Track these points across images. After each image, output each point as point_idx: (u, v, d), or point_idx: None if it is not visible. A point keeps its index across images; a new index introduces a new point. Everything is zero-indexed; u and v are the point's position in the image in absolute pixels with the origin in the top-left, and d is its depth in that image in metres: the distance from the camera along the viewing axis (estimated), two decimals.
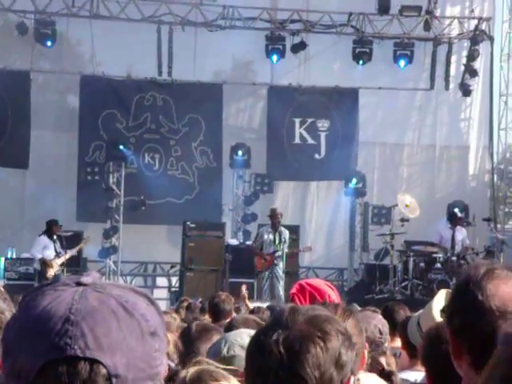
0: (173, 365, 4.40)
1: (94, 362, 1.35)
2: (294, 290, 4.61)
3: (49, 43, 21.03)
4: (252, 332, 4.47)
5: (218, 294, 9.33)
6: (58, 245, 18.02)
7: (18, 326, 1.39)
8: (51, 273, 17.63)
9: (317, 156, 22.26)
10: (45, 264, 17.85)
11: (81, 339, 1.34)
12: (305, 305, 4.41)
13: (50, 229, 18.03)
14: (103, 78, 21.34)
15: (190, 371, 3.24)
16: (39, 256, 17.98)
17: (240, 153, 21.37)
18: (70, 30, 21.51)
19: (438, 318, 3.81)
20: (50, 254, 17.99)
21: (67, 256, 18.09)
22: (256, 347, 1.95)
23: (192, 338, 4.88)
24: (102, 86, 21.33)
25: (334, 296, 4.58)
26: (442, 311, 3.13)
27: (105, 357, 1.35)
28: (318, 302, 4.46)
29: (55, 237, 18.06)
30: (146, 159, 21.69)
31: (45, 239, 18.02)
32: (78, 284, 1.41)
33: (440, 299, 4.24)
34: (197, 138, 21.91)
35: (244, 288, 12.58)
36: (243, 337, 4.40)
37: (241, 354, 4.31)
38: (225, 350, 4.29)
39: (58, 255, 17.97)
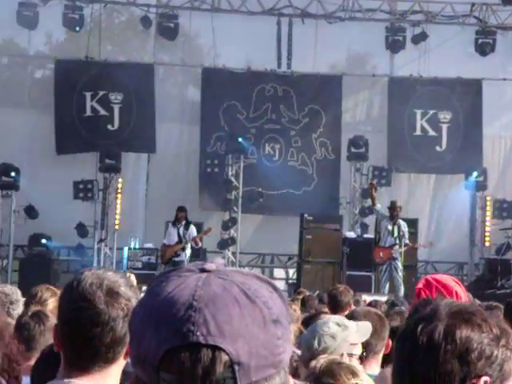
0: (298, 352, 4.42)
1: (216, 348, 1.34)
2: (420, 285, 4.56)
3: (171, 37, 21.36)
4: (339, 319, 4.45)
5: (336, 286, 9.31)
6: (184, 231, 18.17)
7: (143, 312, 1.41)
8: (164, 259, 17.90)
9: (438, 148, 21.92)
10: (164, 247, 18.14)
11: (203, 326, 1.35)
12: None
13: (176, 215, 18.23)
14: (224, 71, 21.55)
15: (321, 362, 3.22)
16: (163, 241, 18.29)
17: (358, 145, 21.23)
18: (191, 24, 21.79)
19: None
20: (171, 241, 18.23)
21: (184, 245, 18.24)
22: (410, 338, 1.93)
23: None
24: (223, 78, 21.54)
25: (461, 292, 4.51)
26: None
27: (227, 344, 1.35)
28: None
29: (183, 223, 18.17)
30: (266, 149, 21.79)
31: (170, 226, 18.28)
32: (202, 270, 1.41)
33: None
34: (317, 130, 21.89)
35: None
36: (330, 325, 4.36)
37: (332, 343, 4.28)
38: (316, 344, 4.26)
39: (180, 241, 18.14)
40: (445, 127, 21.92)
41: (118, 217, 20.25)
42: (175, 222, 18.18)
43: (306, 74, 21.69)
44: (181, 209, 18.32)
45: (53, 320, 4.09)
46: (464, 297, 4.47)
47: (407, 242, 17.71)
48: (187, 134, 21.84)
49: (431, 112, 21.87)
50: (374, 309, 5.78)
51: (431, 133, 21.94)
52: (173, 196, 20.68)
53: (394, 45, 21.57)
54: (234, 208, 20.62)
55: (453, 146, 21.73)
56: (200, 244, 18.85)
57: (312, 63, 21.59)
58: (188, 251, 18.06)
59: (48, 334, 4.12)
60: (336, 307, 8.06)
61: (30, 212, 20.01)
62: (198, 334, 1.35)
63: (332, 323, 4.39)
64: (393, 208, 17.81)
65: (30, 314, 4.37)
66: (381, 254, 17.65)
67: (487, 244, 21.08)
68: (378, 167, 21.59)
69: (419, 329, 1.91)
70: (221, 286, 1.38)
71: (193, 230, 18.14)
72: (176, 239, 18.03)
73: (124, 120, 21.19)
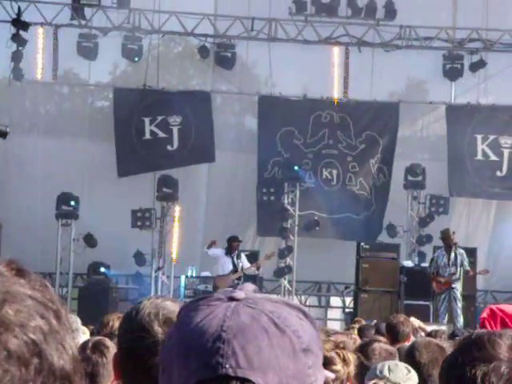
0: (332, 375, 4.40)
1: (245, 381, 1.33)
2: (484, 315, 4.52)
3: (228, 66, 21.53)
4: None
5: (395, 315, 9.20)
6: (237, 260, 18.28)
7: (172, 343, 1.40)
8: (223, 287, 17.94)
9: (498, 173, 21.69)
10: (218, 279, 18.23)
11: (232, 358, 1.33)
12: (495, 330, 4.31)
13: (230, 244, 18.37)
14: (280, 98, 21.65)
15: None
16: (218, 272, 18.42)
17: (415, 174, 21.11)
18: (248, 53, 21.95)
19: None
20: (225, 270, 18.32)
21: (246, 271, 18.36)
22: (460, 379, 1.87)
23: (374, 362, 4.86)
24: (280, 105, 21.64)
25: None
26: None
27: (256, 376, 1.33)
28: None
29: (236, 252, 18.35)
30: (324, 174, 21.79)
31: (221, 254, 18.37)
32: (231, 299, 1.39)
33: None
34: (374, 156, 21.86)
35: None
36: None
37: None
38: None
39: (236, 270, 18.25)
40: (506, 152, 21.67)
41: (175, 245, 20.36)
42: (228, 252, 18.29)
43: (362, 101, 21.69)
44: (235, 238, 18.43)
45: (113, 350, 4.11)
46: None
47: (467, 268, 17.44)
48: (244, 162, 21.92)
49: (492, 137, 21.66)
50: (435, 340, 5.72)
51: (492, 157, 21.71)
52: (230, 224, 20.75)
53: (452, 72, 21.46)
54: (290, 236, 20.61)
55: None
56: (260, 269, 18.89)
57: (369, 91, 21.58)
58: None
59: (110, 366, 4.13)
60: (396, 338, 7.97)
61: (89, 240, 20.19)
62: (227, 366, 1.33)
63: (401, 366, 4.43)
64: (445, 238, 17.61)
65: (90, 345, 4.30)
66: (440, 283, 17.47)
67: None
68: (436, 195, 21.42)
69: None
70: (250, 316, 1.36)
71: (244, 259, 18.28)
72: (231, 267, 18.12)
73: (183, 139, 21.35)
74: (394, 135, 21.90)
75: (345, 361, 3.59)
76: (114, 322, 5.69)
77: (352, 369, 3.64)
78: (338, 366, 3.57)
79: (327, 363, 3.56)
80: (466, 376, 1.85)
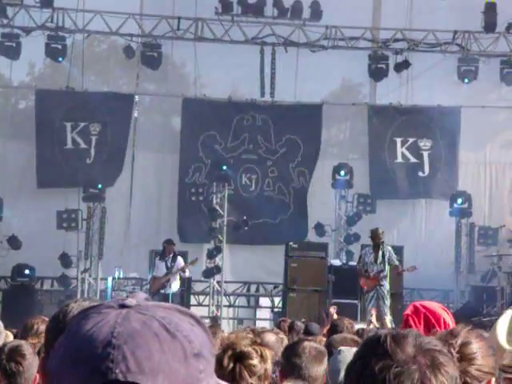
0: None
1: None
2: (408, 312, 4.52)
3: (154, 66, 21.40)
4: None
5: (340, 317, 9.30)
6: (171, 264, 18.22)
7: (62, 351, 1.39)
8: (152, 290, 17.92)
9: (421, 174, 22.03)
10: (152, 280, 18.20)
11: (122, 363, 1.33)
12: (419, 327, 4.33)
13: (164, 248, 18.31)
14: (204, 101, 21.62)
15: None
16: (153, 274, 18.39)
17: (342, 173, 21.27)
18: (174, 53, 21.86)
19: (504, 342, 3.57)
20: (161, 272, 18.29)
21: (171, 275, 18.33)
22: (360, 376, 1.80)
23: (302, 358, 4.84)
24: (203, 108, 21.63)
25: (448, 320, 4.47)
26: None
27: (147, 380, 1.33)
28: (432, 326, 4.37)
29: (171, 255, 18.25)
30: (243, 180, 21.87)
31: (157, 261, 18.35)
32: (122, 306, 1.40)
33: (505, 320, 4.06)
34: (294, 159, 21.98)
35: (332, 309, 12.76)
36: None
37: None
38: (342, 375, 4.23)
39: (169, 272, 18.19)
40: (426, 154, 22.04)
41: (101, 246, 20.18)
42: (162, 255, 18.22)
43: (286, 103, 21.78)
44: (169, 242, 18.37)
45: (30, 356, 3.96)
46: (451, 324, 4.44)
47: (396, 263, 17.57)
48: (169, 163, 21.84)
49: (411, 140, 22.01)
50: (350, 335, 5.77)
51: (413, 159, 22.07)
52: (156, 225, 20.64)
53: (377, 73, 21.65)
54: (219, 237, 20.57)
55: (435, 173, 21.87)
56: (188, 273, 18.82)
57: (294, 92, 21.67)
58: (176, 284, 18.08)
59: (28, 374, 3.97)
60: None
61: (13, 242, 19.89)
62: (117, 371, 1.32)
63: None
64: (374, 237, 17.77)
65: (6, 351, 4.07)
66: (368, 281, 17.61)
67: (472, 271, 21.08)
68: (363, 194, 21.63)
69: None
70: (141, 322, 1.36)
71: (180, 261, 18.18)
72: (165, 271, 18.10)
73: (99, 152, 21.24)
74: (318, 137, 22.05)
75: (262, 357, 3.59)
76: (39, 325, 5.57)
77: (269, 365, 3.65)
78: (255, 361, 3.57)
79: (244, 358, 3.56)
80: (371, 376, 1.79)
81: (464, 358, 3.05)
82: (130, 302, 1.40)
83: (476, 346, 3.11)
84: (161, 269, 18.14)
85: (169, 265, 18.11)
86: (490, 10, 20.71)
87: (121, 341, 1.34)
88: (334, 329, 8.18)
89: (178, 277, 18.12)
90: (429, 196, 22.01)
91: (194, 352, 1.37)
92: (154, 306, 1.41)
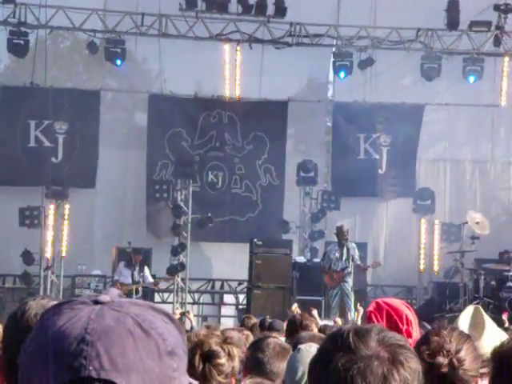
0: (196, 382, 4.38)
1: (109, 383, 1.32)
2: (370, 308, 4.55)
3: (118, 62, 21.28)
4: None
5: (301, 313, 9.30)
6: (138, 274, 18.32)
7: (33, 347, 1.37)
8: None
9: (380, 171, 22.16)
10: (119, 284, 18.13)
11: (96, 360, 1.32)
12: (382, 323, 4.35)
13: (131, 257, 18.36)
14: (170, 97, 21.54)
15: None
16: (116, 278, 18.37)
17: (307, 170, 21.31)
18: (138, 49, 21.76)
19: None
20: (126, 280, 18.35)
21: (146, 284, 18.53)
22: (323, 371, 1.80)
23: (265, 353, 4.85)
24: (170, 104, 21.55)
25: (411, 316, 4.51)
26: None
27: (120, 377, 1.32)
28: (395, 323, 4.38)
29: (138, 265, 18.38)
30: (209, 177, 21.82)
31: (122, 266, 18.39)
32: (96, 302, 1.38)
33: (466, 315, 4.11)
34: (261, 156, 21.97)
35: (295, 306, 12.87)
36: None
37: None
38: (299, 374, 4.23)
39: (134, 282, 18.29)
40: (385, 150, 22.17)
41: (65, 244, 20.05)
42: (129, 264, 18.26)
43: (251, 99, 21.77)
44: (137, 251, 18.45)
45: None
46: (414, 320, 4.48)
47: (358, 263, 17.75)
48: (134, 159, 21.74)
49: (374, 136, 22.11)
50: (319, 333, 5.78)
51: (374, 156, 22.16)
52: (120, 222, 20.54)
53: (341, 70, 21.70)
54: (184, 233, 20.52)
55: (391, 169, 22.00)
56: (158, 286, 19.07)
57: (259, 89, 21.67)
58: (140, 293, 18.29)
59: None
60: (294, 333, 7.98)
61: None
62: (91, 368, 1.31)
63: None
64: (339, 233, 17.86)
65: None
66: (332, 277, 17.68)
67: (435, 268, 21.23)
68: (328, 191, 21.69)
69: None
70: (115, 319, 1.35)
71: (147, 274, 18.33)
72: (130, 281, 18.13)
73: (68, 150, 21.07)
74: (284, 134, 22.06)
75: (230, 355, 3.62)
76: None
77: (237, 363, 3.68)
78: (223, 360, 3.60)
79: (212, 357, 3.59)
80: (335, 372, 1.79)
81: (455, 363, 3.11)
82: (104, 298, 1.39)
83: (465, 353, 3.16)
84: (126, 276, 18.23)
85: (136, 275, 18.23)
86: (453, 8, 20.84)
87: (94, 337, 1.33)
88: (292, 325, 8.18)
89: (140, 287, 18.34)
90: (387, 193, 22.12)
91: (167, 350, 1.37)
92: (127, 302, 1.39)
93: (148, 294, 19.29)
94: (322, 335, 5.67)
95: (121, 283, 18.06)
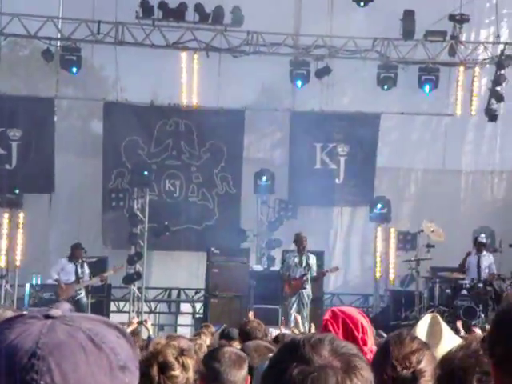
0: None
1: None
2: (326, 317, 4.55)
3: (74, 70, 21.13)
4: None
5: (249, 320, 9.25)
6: (80, 269, 18.11)
7: None
8: (64, 296, 17.67)
9: (337, 181, 22.26)
10: (59, 286, 18.01)
11: (47, 374, 1.31)
12: (338, 332, 4.35)
13: (73, 252, 18.16)
14: (126, 105, 21.47)
15: None
16: (55, 277, 18.14)
17: (264, 178, 21.35)
18: (94, 57, 21.65)
19: None
20: (69, 277, 18.12)
21: (91, 282, 18.25)
22: (278, 382, 1.80)
23: (221, 363, 4.82)
24: (125, 112, 21.47)
25: (366, 324, 4.52)
26: (482, 341, 3.01)
27: None
28: (350, 331, 4.39)
29: (80, 261, 18.18)
30: (166, 186, 21.77)
31: (65, 262, 18.17)
32: (47, 317, 1.37)
33: (424, 324, 4.14)
34: (218, 164, 21.97)
35: (251, 315, 12.87)
36: None
37: None
38: None
39: (78, 280, 18.07)
40: (342, 160, 22.28)
41: (19, 253, 19.85)
42: (72, 259, 18.08)
43: (208, 108, 21.75)
44: (78, 246, 18.23)
45: None
46: (369, 328, 4.49)
47: (314, 274, 17.85)
48: (90, 167, 21.60)
49: (331, 145, 22.21)
50: (264, 342, 5.81)
51: (331, 166, 22.26)
52: (76, 231, 20.38)
53: (299, 79, 21.76)
54: (140, 242, 20.41)
55: (350, 179, 22.12)
56: (105, 281, 18.69)
57: (216, 97, 21.66)
58: (83, 290, 18.02)
59: None
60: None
61: None
62: (42, 382, 1.30)
63: None
64: (298, 240, 17.92)
65: None
66: (291, 284, 17.72)
67: (391, 276, 21.35)
68: (285, 200, 21.73)
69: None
70: (66, 333, 1.34)
71: (86, 269, 18.17)
72: (73, 278, 17.95)
73: (22, 157, 20.89)
74: (240, 142, 22.07)
75: (184, 366, 3.62)
76: None
77: (191, 374, 3.67)
78: (177, 372, 3.60)
79: (166, 368, 3.58)
80: (289, 382, 1.78)
81: (417, 375, 3.17)
82: (55, 312, 1.38)
83: (425, 364, 3.21)
84: (69, 271, 18.02)
85: (79, 270, 18.04)
86: (409, 18, 21.02)
87: (46, 352, 1.31)
88: (243, 333, 8.17)
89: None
90: (345, 203, 22.23)
91: (119, 364, 1.36)
92: (79, 317, 1.39)
93: (105, 290, 19.04)
94: (268, 344, 5.68)
95: (66, 284, 17.94)
